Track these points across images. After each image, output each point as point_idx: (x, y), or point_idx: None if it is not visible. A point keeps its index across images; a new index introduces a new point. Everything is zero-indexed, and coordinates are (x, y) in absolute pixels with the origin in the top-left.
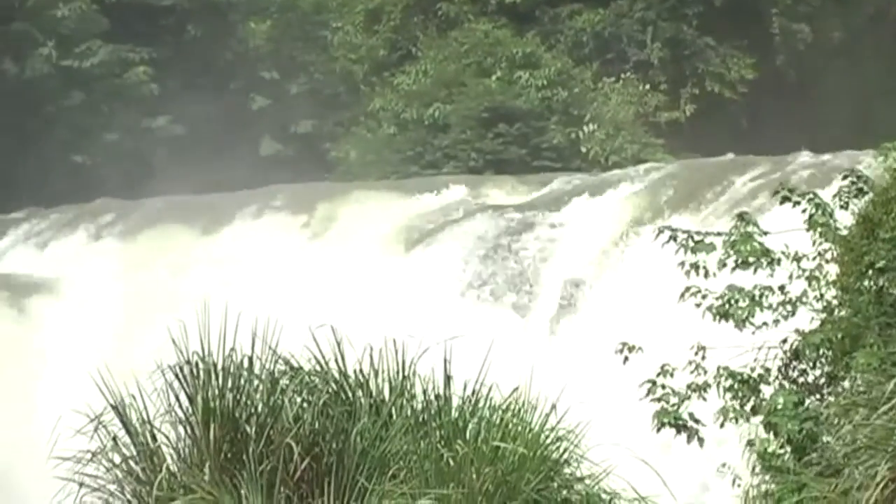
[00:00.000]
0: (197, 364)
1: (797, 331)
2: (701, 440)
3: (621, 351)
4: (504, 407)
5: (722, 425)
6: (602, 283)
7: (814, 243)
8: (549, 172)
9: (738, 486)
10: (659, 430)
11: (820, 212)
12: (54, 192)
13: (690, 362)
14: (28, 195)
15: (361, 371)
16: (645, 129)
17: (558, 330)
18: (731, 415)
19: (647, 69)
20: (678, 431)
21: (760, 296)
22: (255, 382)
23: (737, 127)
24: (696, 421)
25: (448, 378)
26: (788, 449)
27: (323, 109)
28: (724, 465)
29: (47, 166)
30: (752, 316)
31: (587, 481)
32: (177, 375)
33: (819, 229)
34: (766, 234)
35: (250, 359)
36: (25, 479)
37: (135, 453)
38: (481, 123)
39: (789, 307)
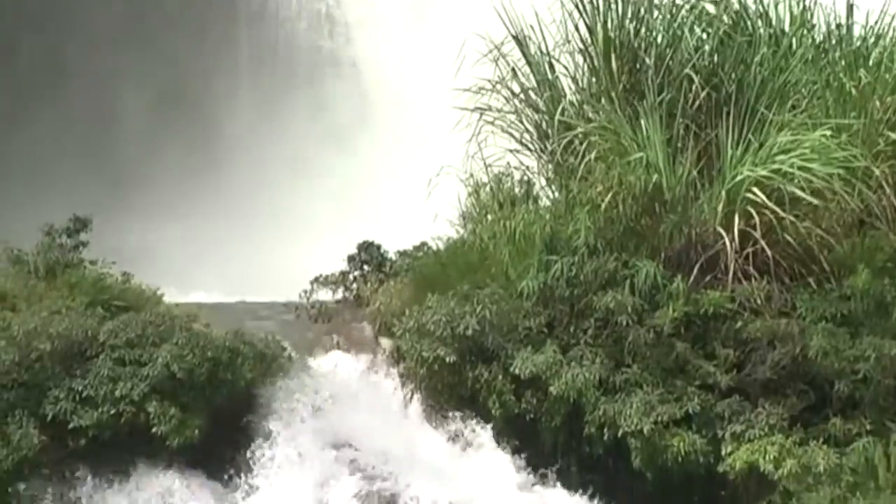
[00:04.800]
0: None
1: None
2: None
3: None
4: None
5: None
6: None
7: None
8: None
9: None
10: None
11: None
12: None
13: None
14: None
15: (761, 0)
16: None
17: None
18: None
19: None
20: None
21: None
22: (655, 13)
23: None
24: None
25: (850, 7)
26: None
27: None
28: None
29: None
30: None
31: None
32: (576, 6)
33: None
34: None
35: None
36: (425, 108)
37: (534, 84)
38: None
39: None
